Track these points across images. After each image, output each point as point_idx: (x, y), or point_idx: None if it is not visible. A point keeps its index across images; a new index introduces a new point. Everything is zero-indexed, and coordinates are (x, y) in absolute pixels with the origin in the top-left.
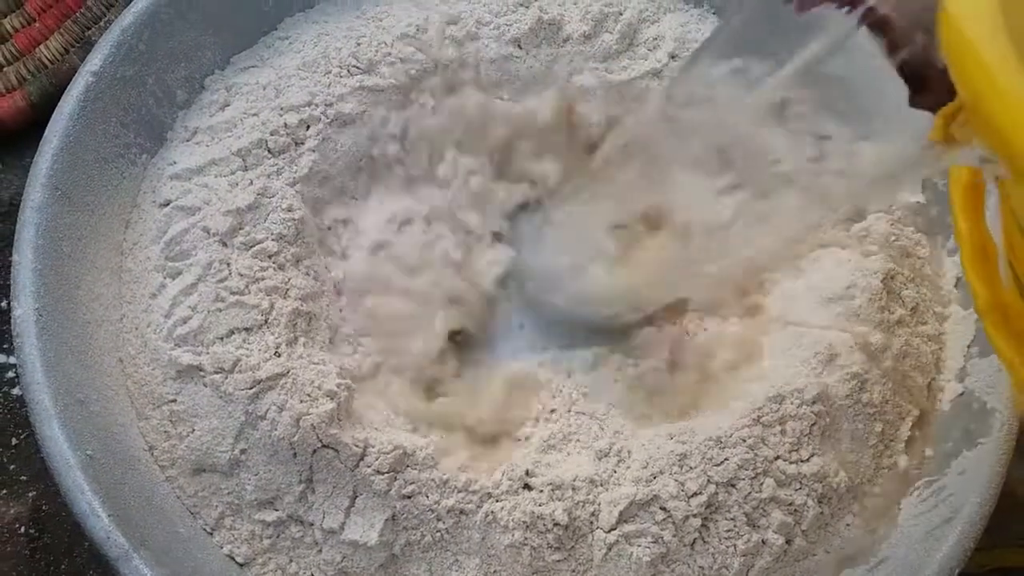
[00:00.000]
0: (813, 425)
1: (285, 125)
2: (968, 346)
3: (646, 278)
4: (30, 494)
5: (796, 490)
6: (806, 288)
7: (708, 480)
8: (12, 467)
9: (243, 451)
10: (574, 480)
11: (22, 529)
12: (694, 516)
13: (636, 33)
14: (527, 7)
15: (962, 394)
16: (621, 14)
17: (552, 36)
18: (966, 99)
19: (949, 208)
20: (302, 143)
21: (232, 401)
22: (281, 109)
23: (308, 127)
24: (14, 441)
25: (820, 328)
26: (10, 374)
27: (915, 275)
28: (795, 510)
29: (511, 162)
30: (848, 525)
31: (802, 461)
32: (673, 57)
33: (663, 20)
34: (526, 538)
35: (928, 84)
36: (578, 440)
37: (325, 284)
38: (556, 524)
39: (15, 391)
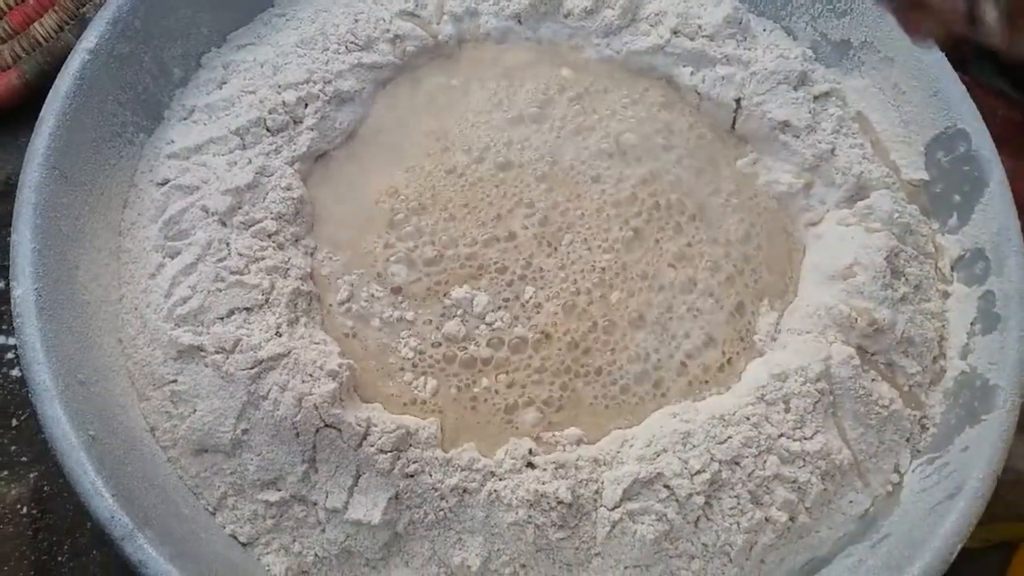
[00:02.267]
0: (817, 403)
1: (283, 103)
2: (971, 324)
3: None
4: (31, 475)
5: (800, 467)
6: (810, 265)
7: (711, 458)
8: (13, 448)
9: (245, 431)
10: (577, 459)
11: (24, 510)
12: (697, 494)
13: (638, 8)
14: None
15: (965, 371)
16: None
17: (553, 11)
18: None
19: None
20: (300, 121)
21: (233, 381)
22: (279, 87)
23: (306, 105)
24: (14, 422)
25: (824, 305)
26: (9, 355)
27: (919, 252)
28: (799, 487)
29: None
30: (851, 502)
31: (805, 439)
32: (675, 33)
33: None
34: (530, 516)
35: None
36: None
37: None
38: (560, 502)
39: (14, 372)
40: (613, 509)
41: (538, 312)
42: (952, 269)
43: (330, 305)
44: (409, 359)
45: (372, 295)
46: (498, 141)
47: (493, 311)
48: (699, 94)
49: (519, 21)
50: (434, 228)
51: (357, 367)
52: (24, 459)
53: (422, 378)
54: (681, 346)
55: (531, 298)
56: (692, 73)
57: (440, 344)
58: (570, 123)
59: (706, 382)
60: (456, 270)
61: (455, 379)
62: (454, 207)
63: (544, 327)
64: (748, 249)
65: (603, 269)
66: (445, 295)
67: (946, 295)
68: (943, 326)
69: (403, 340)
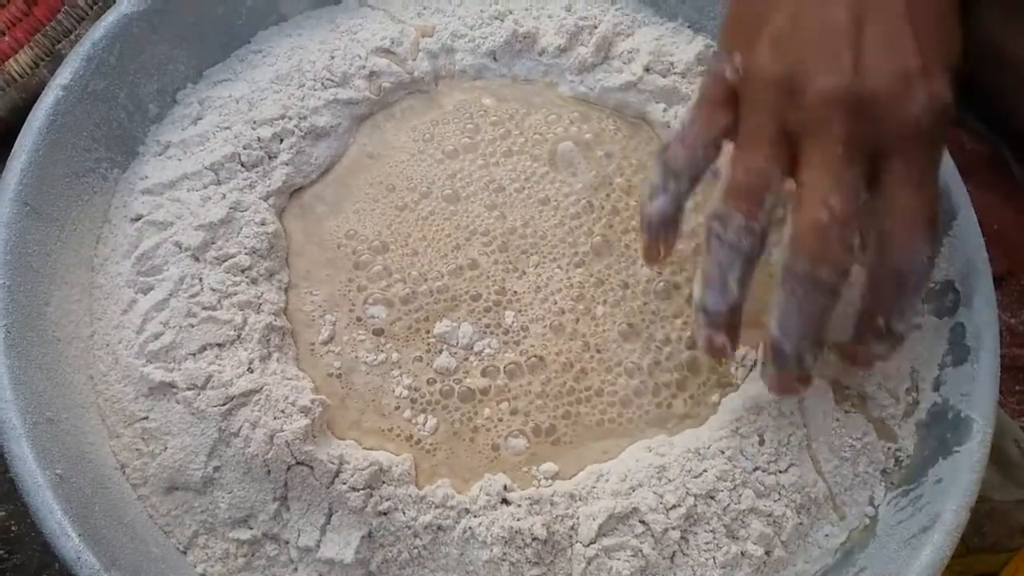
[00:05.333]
0: (791, 435)
1: (258, 139)
2: (943, 355)
3: None
4: None
5: (775, 500)
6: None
7: (687, 492)
8: None
9: (216, 468)
10: (552, 495)
11: None
12: (673, 528)
13: (611, 46)
14: (502, 20)
15: (937, 403)
16: (596, 27)
17: (527, 49)
18: None
19: None
20: (275, 156)
21: (205, 418)
22: (254, 122)
23: (282, 140)
24: None
25: None
26: None
27: None
28: (774, 520)
29: None
30: (827, 535)
31: (780, 471)
32: (647, 70)
33: (638, 33)
34: (505, 553)
35: None
36: None
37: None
38: (535, 539)
39: None
40: (588, 545)
41: (526, 336)
42: (923, 302)
43: (312, 344)
44: (405, 397)
45: (355, 339)
46: (441, 175)
47: (480, 339)
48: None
49: (494, 58)
50: (400, 265)
51: (334, 404)
52: None
53: (421, 415)
54: (674, 353)
55: (513, 322)
56: (665, 109)
57: (435, 381)
58: (500, 147)
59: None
60: (432, 305)
61: (456, 413)
62: (414, 242)
63: (535, 350)
64: None
65: (580, 283)
66: (428, 332)
67: (917, 327)
68: (915, 358)
69: (395, 379)
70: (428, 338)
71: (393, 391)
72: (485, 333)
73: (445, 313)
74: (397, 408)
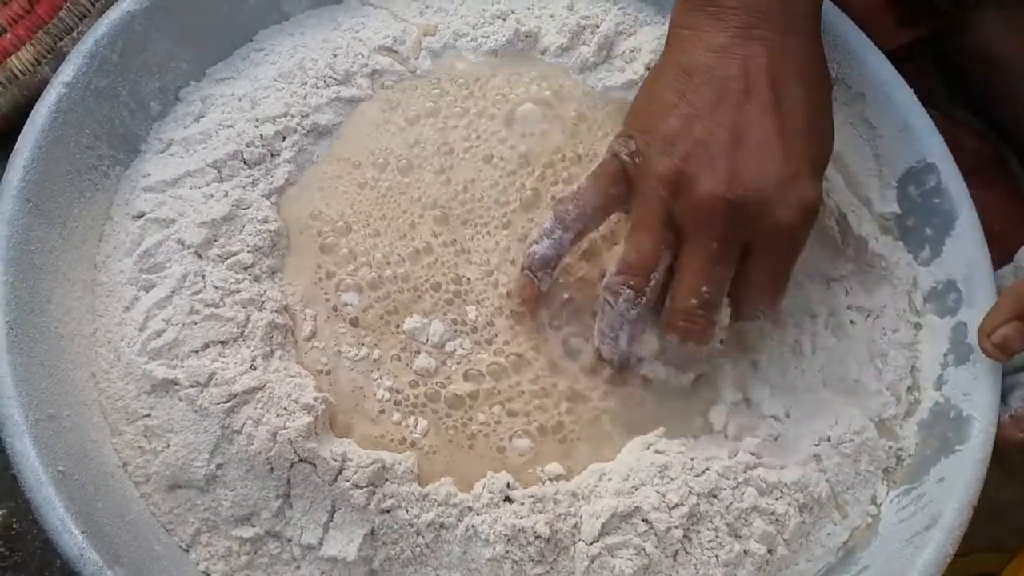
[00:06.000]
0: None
1: (261, 136)
2: (944, 355)
3: None
4: (0, 512)
5: (777, 499)
6: None
7: (690, 491)
8: None
9: (219, 466)
10: (555, 493)
11: None
12: (676, 527)
13: (613, 45)
14: (504, 19)
15: (939, 402)
16: (598, 27)
17: (530, 48)
18: None
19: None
20: (278, 154)
21: (208, 415)
22: (257, 120)
23: (284, 138)
24: None
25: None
26: None
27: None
28: (777, 519)
29: None
30: (829, 534)
31: (783, 469)
32: (649, 69)
33: (640, 33)
34: (507, 551)
35: None
36: None
37: None
38: (538, 537)
39: None
40: (591, 544)
41: (495, 332)
42: (925, 301)
43: (302, 339)
44: (388, 400)
45: (336, 332)
46: (401, 144)
47: (451, 339)
48: None
49: (496, 57)
50: (364, 247)
51: (333, 401)
52: None
53: (411, 418)
54: None
55: (477, 317)
56: None
57: (417, 384)
58: (459, 106)
59: None
60: (397, 294)
61: (448, 419)
62: (375, 221)
63: (511, 348)
64: None
65: (507, 247)
66: (398, 327)
67: (918, 327)
68: (915, 357)
69: (375, 381)
70: (399, 333)
71: (375, 394)
72: (456, 333)
73: (411, 305)
74: (382, 412)
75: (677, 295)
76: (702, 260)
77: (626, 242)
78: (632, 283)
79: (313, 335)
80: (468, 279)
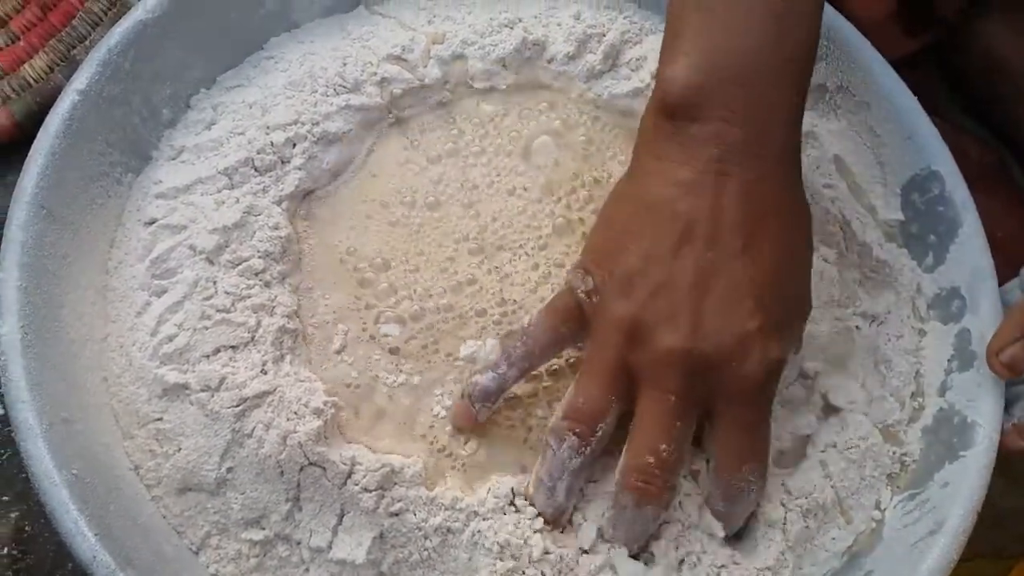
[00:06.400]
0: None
1: (271, 143)
2: (948, 361)
3: None
4: (12, 514)
5: (781, 504)
6: None
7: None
8: None
9: (230, 469)
10: None
11: (4, 550)
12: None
13: (619, 54)
14: (512, 28)
15: (943, 408)
16: (604, 35)
17: (537, 56)
18: None
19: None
20: (288, 161)
21: (218, 419)
22: (267, 128)
23: (294, 145)
24: None
25: None
26: None
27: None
28: (780, 524)
29: None
30: (834, 539)
31: (787, 475)
32: (655, 77)
33: (646, 41)
34: (509, 570)
35: None
36: None
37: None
38: (535, 559)
39: None
40: (594, 554)
41: None
42: (929, 307)
43: (328, 350)
44: (442, 416)
45: (371, 357)
46: (425, 183)
47: None
48: None
49: (504, 65)
50: (405, 282)
51: (348, 415)
52: (5, 498)
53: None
54: None
55: None
56: None
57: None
58: (477, 145)
59: None
60: (441, 324)
61: (506, 420)
62: (412, 257)
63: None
64: None
65: (561, 266)
66: (448, 354)
67: (922, 333)
68: (919, 363)
69: (435, 398)
70: (455, 363)
71: (432, 409)
72: None
73: (456, 331)
74: (432, 427)
75: (632, 451)
76: (660, 415)
77: (575, 384)
78: (578, 430)
79: (343, 349)
80: (514, 300)
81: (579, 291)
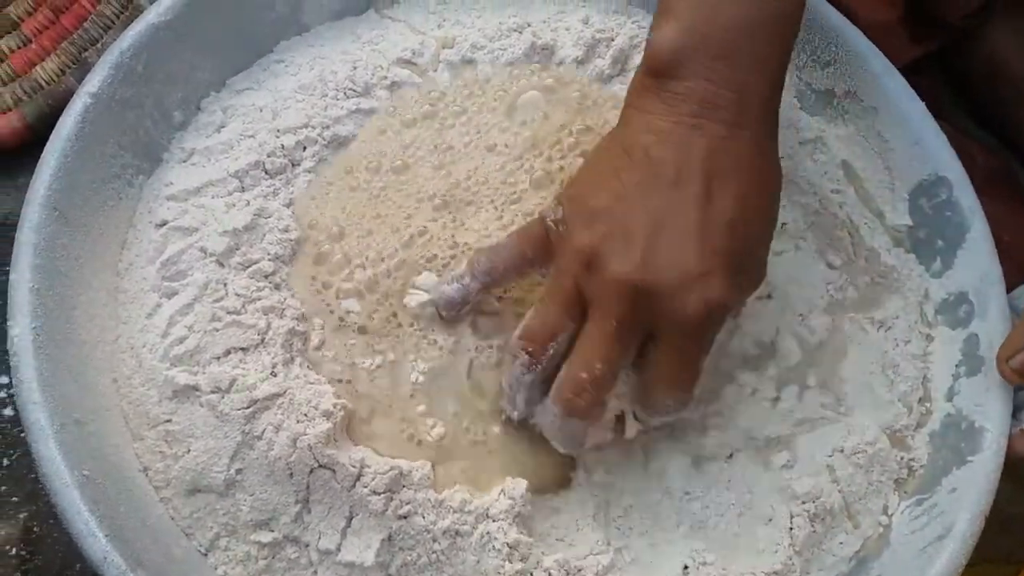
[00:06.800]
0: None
1: (282, 147)
2: (956, 366)
3: None
4: (21, 515)
5: (789, 508)
6: None
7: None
8: (3, 488)
9: (239, 471)
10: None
11: (13, 551)
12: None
13: (628, 58)
14: (521, 32)
15: (951, 413)
16: (613, 40)
17: (546, 60)
18: None
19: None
20: (298, 164)
21: (228, 421)
22: (278, 131)
23: (304, 148)
24: (5, 462)
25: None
26: (0, 394)
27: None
28: (788, 528)
29: None
30: (841, 543)
31: (794, 479)
32: None
33: None
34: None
35: None
36: None
37: None
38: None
39: (6, 411)
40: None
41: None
42: (936, 312)
43: (311, 349)
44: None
45: (346, 345)
46: (395, 147)
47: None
48: None
49: (514, 69)
50: (357, 249)
51: (352, 407)
52: (14, 499)
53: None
54: None
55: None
56: None
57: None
58: (457, 106)
59: None
60: (392, 286)
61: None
62: (367, 221)
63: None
64: None
65: (526, 215)
66: (411, 324)
67: (929, 338)
68: (927, 368)
69: (411, 363)
70: (418, 331)
71: (410, 378)
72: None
73: (403, 281)
74: (412, 396)
75: (569, 367)
76: (599, 337)
77: (535, 307)
78: (530, 349)
79: (321, 344)
80: (466, 243)
81: (549, 220)
